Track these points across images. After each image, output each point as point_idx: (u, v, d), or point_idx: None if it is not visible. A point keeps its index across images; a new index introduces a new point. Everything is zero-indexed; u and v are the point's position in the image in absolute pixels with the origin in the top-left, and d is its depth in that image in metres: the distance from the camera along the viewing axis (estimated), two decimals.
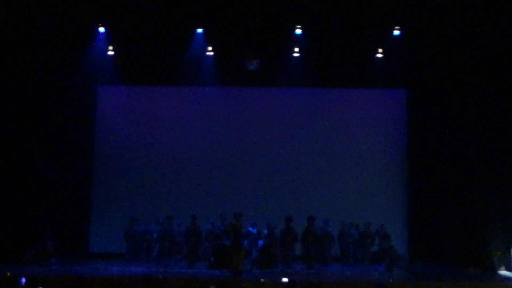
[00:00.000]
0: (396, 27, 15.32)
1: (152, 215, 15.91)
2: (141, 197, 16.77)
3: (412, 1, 14.42)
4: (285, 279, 10.57)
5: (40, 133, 16.11)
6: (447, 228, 15.64)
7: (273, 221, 14.94)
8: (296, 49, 16.07)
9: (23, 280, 9.21)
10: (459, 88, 15.66)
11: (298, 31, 15.53)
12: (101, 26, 15.52)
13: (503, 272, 13.95)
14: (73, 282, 11.30)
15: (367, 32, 15.41)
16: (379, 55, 16.21)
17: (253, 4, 14.55)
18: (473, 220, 14.99)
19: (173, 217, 15.18)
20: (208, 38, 15.93)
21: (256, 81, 16.78)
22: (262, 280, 10.96)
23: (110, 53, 16.06)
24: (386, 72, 16.47)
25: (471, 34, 14.73)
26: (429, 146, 16.48)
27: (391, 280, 12.20)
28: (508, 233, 14.47)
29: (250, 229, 14.90)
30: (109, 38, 15.80)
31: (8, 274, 11.84)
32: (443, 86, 16.06)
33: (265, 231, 14.65)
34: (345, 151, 17.17)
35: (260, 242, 14.53)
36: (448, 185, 15.85)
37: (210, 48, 16.17)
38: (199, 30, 15.75)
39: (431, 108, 16.44)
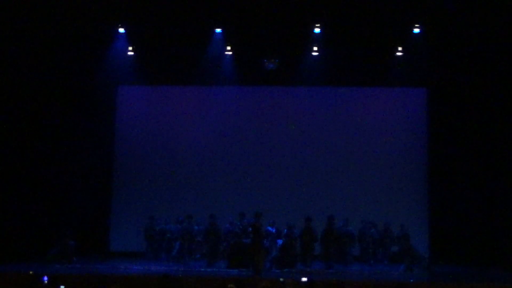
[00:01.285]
0: (416, 25, 15.17)
1: (172, 214, 15.99)
2: (161, 196, 16.87)
3: None
4: (304, 279, 10.54)
5: (61, 133, 16.31)
6: (469, 228, 15.48)
7: (292, 220, 14.90)
8: (315, 48, 16.02)
9: (45, 278, 9.32)
10: (480, 87, 15.49)
11: (317, 30, 15.48)
12: (121, 27, 15.65)
13: None
14: (94, 281, 11.39)
15: (386, 30, 15.30)
16: (399, 54, 16.08)
17: (271, 3, 14.53)
18: (495, 219, 14.81)
19: (192, 216, 15.24)
20: (227, 38, 15.96)
21: (275, 80, 16.78)
22: (281, 279, 10.94)
23: (130, 53, 16.21)
24: (406, 71, 16.32)
25: (492, 32, 14.54)
26: (450, 145, 16.30)
27: (411, 280, 12.09)
28: None
29: (269, 228, 14.89)
30: (129, 38, 15.93)
31: (31, 272, 11.98)
32: (464, 85, 15.89)
33: (285, 230, 14.63)
34: (365, 150, 17.06)
35: (279, 242, 14.51)
36: (470, 184, 15.69)
37: (229, 48, 16.21)
38: (218, 30, 15.79)
39: (452, 107, 16.27)
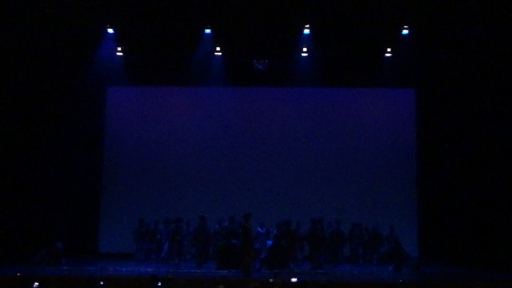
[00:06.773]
0: (405, 26, 15.24)
1: (161, 216, 15.94)
2: (150, 197, 16.84)
3: (421, 0, 14.35)
4: (294, 279, 10.55)
5: (50, 134, 16.21)
6: (458, 228, 15.56)
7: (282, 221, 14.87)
8: (305, 49, 16.05)
9: (36, 285, 9.17)
10: (468, 87, 15.58)
11: (306, 31, 15.51)
12: (110, 27, 15.57)
13: None
14: (83, 282, 11.32)
15: (375, 31, 15.35)
16: (388, 55, 16.14)
17: (261, 4, 14.54)
18: (484, 220, 14.90)
19: (182, 218, 15.22)
20: (216, 39, 15.94)
21: (264, 81, 16.81)
22: (271, 280, 10.93)
23: (119, 54, 16.14)
24: (395, 72, 16.41)
25: (480, 34, 14.64)
26: (439, 145, 16.42)
27: (400, 280, 12.14)
28: None
29: (259, 229, 14.90)
30: (118, 39, 15.85)
31: (19, 274, 11.90)
32: (453, 86, 15.99)
33: (274, 231, 14.63)
34: (355, 151, 17.13)
35: (269, 242, 14.51)
36: (458, 185, 15.78)
37: (218, 49, 16.20)
38: (207, 31, 15.76)
39: (440, 108, 16.37)
